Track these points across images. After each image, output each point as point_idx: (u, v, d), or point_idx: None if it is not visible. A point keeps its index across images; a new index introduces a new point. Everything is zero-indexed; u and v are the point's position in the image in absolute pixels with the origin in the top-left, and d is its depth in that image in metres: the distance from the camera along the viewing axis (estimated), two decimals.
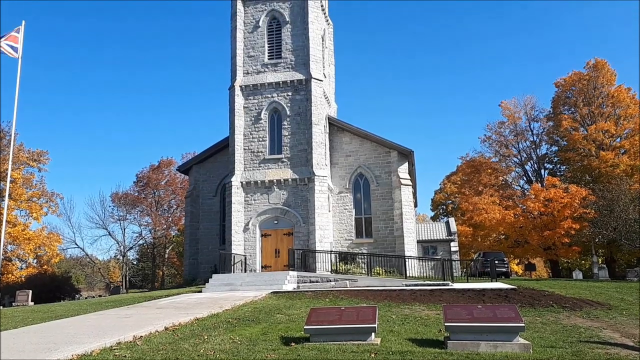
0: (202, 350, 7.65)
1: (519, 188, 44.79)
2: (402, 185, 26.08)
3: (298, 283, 20.45)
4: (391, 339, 8.53)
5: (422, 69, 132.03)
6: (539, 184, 39.35)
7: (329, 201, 25.74)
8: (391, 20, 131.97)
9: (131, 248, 51.54)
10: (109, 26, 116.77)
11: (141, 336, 8.67)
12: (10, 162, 16.22)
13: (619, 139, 40.09)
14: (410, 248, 25.57)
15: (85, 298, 34.72)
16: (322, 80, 26.60)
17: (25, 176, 37.57)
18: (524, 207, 37.30)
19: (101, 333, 8.94)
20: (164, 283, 49.99)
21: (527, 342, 7.76)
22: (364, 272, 22.89)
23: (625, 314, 11.53)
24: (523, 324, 7.79)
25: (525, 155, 44.71)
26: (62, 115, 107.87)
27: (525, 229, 36.27)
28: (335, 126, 27.75)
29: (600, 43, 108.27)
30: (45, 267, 39.24)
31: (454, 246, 36.61)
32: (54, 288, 35.96)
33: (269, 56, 26.94)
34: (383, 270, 23.50)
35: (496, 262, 24.51)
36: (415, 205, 35.31)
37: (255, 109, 26.30)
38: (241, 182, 25.46)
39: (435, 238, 37.04)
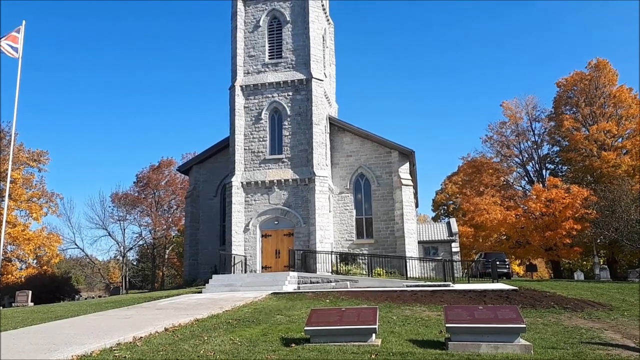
0: (202, 351, 7.63)
1: (521, 188, 44.74)
2: (403, 186, 26.04)
3: (298, 284, 20.43)
4: (392, 340, 8.50)
5: (423, 69, 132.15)
6: (541, 185, 39.27)
7: (329, 201, 25.70)
8: (392, 20, 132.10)
9: (131, 248, 51.58)
10: (108, 27, 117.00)
11: (141, 337, 8.66)
12: (10, 162, 16.20)
13: (620, 139, 40.02)
14: (411, 249, 25.53)
15: (85, 299, 34.69)
16: (322, 80, 26.57)
17: (25, 176, 37.59)
18: (526, 208, 37.24)
19: (101, 334, 8.92)
20: (164, 284, 49.98)
21: (528, 343, 7.73)
22: (364, 272, 22.86)
23: (626, 315, 11.50)
24: (524, 325, 7.77)
25: (526, 156, 44.66)
26: (62, 116, 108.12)
27: (527, 230, 36.21)
28: (336, 126, 27.72)
29: (602, 43, 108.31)
30: (45, 267, 39.25)
31: (455, 247, 36.58)
32: (54, 288, 35.97)
33: (269, 56, 26.93)
34: (384, 271, 23.46)
35: (497, 263, 24.49)
36: (416, 206, 35.26)
37: (256, 109, 26.28)
38: (241, 183, 25.44)
39: (436, 239, 37.01)
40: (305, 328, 8.37)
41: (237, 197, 25.19)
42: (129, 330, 9.13)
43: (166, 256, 52.13)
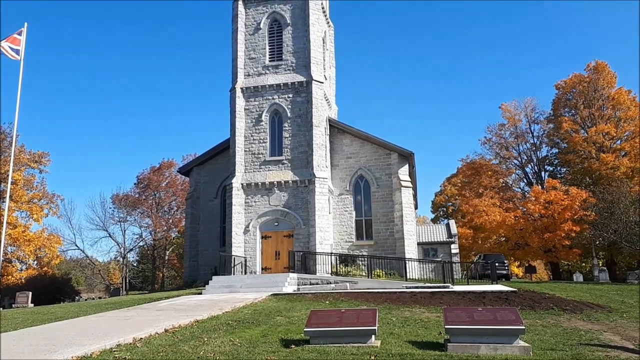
0: (201, 352, 7.66)
1: (520, 190, 44.81)
2: (402, 187, 26.08)
3: (298, 285, 20.44)
4: (391, 341, 8.53)
5: (423, 70, 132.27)
6: (540, 186, 39.35)
7: (329, 203, 25.74)
8: (392, 21, 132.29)
9: (131, 250, 51.58)
10: (109, 28, 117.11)
11: (141, 338, 8.68)
12: (11, 164, 16.25)
13: (619, 141, 40.12)
14: (411, 250, 25.56)
15: (85, 300, 34.65)
16: (322, 83, 26.63)
17: (26, 178, 37.62)
18: (525, 210, 37.29)
19: (101, 335, 8.94)
20: (164, 285, 49.97)
21: (527, 344, 7.75)
22: (364, 274, 22.87)
23: (625, 317, 11.53)
24: (523, 327, 7.80)
25: (525, 158, 44.75)
26: (63, 117, 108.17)
27: (526, 231, 36.26)
28: (335, 128, 27.78)
29: (601, 45, 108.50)
30: (46, 268, 39.25)
31: (455, 248, 36.58)
32: (54, 290, 35.94)
33: (269, 58, 26.99)
34: (383, 272, 23.49)
35: (496, 264, 24.47)
36: (416, 207, 35.30)
37: (256, 111, 26.34)
38: (242, 184, 25.48)
39: (436, 240, 37.01)
40: (305, 329, 8.39)
41: (238, 198, 25.23)
42: (129, 332, 9.15)
43: (166, 257, 52.13)
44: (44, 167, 39.35)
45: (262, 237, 25.15)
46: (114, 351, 7.58)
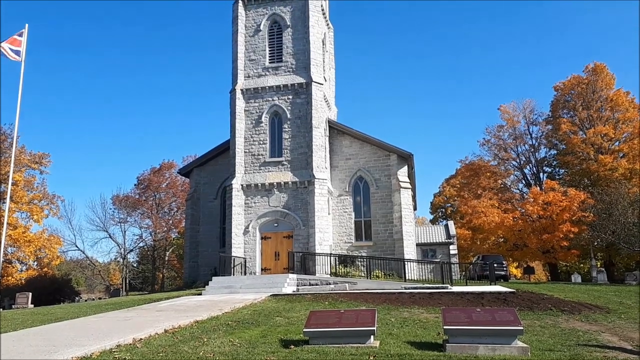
0: (201, 353, 7.69)
1: (518, 191, 44.89)
2: (401, 189, 26.14)
3: (297, 286, 20.48)
4: (390, 341, 8.57)
5: (423, 70, 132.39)
6: (538, 188, 39.44)
7: (328, 204, 25.80)
8: (392, 22, 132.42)
9: (131, 250, 51.57)
10: (110, 30, 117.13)
11: (141, 339, 8.70)
12: (12, 165, 16.27)
13: (617, 143, 40.21)
14: (410, 251, 25.61)
15: (85, 300, 34.65)
16: (322, 84, 26.70)
17: (26, 179, 37.65)
18: (523, 211, 37.37)
19: (101, 335, 8.96)
20: (164, 285, 49.97)
21: (525, 345, 7.79)
22: (363, 275, 22.92)
23: (623, 318, 11.58)
24: (522, 328, 7.84)
25: (524, 159, 44.84)
26: (63, 118, 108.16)
27: (524, 232, 36.33)
28: (335, 129, 27.84)
29: (601, 45, 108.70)
30: (46, 269, 39.28)
31: (453, 249, 36.63)
32: (54, 290, 35.92)
33: (270, 60, 27.06)
34: (382, 273, 23.53)
35: (495, 265, 24.50)
36: (415, 209, 35.38)
37: (256, 112, 26.40)
38: (242, 185, 25.52)
39: (435, 241, 37.06)
40: (304, 330, 8.43)
41: (237, 199, 25.27)
42: (129, 332, 9.17)
43: (166, 258, 52.13)
44: (44, 168, 39.46)
45: (261, 238, 25.20)
46: (114, 352, 7.61)
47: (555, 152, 44.74)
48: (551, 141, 44.04)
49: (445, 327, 7.97)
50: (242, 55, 27.15)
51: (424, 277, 24.21)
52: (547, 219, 34.79)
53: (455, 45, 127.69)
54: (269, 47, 27.20)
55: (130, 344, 8.24)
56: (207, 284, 20.89)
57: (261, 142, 26.03)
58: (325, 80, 28.43)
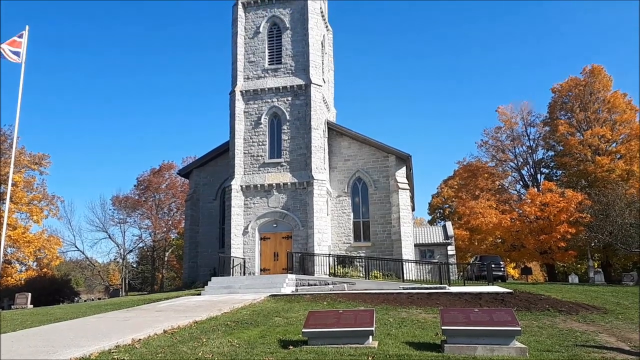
0: (200, 354, 7.72)
1: (516, 192, 44.97)
2: (399, 190, 26.22)
3: (296, 286, 20.52)
4: (388, 342, 8.61)
5: (423, 70, 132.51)
6: (535, 189, 39.55)
7: (327, 205, 25.86)
8: (392, 22, 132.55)
9: (131, 251, 51.57)
10: (110, 30, 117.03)
11: (140, 339, 8.72)
12: (12, 166, 16.27)
13: (614, 144, 40.33)
14: (408, 252, 25.66)
15: (85, 301, 34.61)
16: (321, 86, 26.77)
17: (26, 179, 37.58)
18: (521, 212, 37.46)
19: (100, 336, 8.98)
20: (164, 286, 49.94)
21: (523, 345, 7.82)
22: (361, 275, 22.98)
23: (621, 318, 11.62)
24: (519, 328, 7.87)
25: (521, 160, 44.96)
26: (63, 118, 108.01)
27: (522, 233, 36.41)
28: (334, 131, 27.91)
29: (600, 45, 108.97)
30: (45, 269, 39.22)
31: (451, 250, 36.70)
32: (54, 291, 35.84)
33: (269, 61, 27.12)
34: (381, 273, 23.60)
35: (493, 265, 24.62)
36: (413, 209, 35.41)
37: (256, 114, 26.45)
38: (241, 186, 25.57)
39: (433, 242, 37.12)
40: (303, 330, 8.46)
41: (237, 200, 25.31)
42: (128, 333, 9.20)
43: (166, 259, 52.12)
44: (44, 169, 39.39)
45: (260, 239, 25.23)
46: (113, 352, 7.63)
47: (553, 153, 44.86)
48: (549, 142, 44.16)
49: (443, 327, 8.00)
50: (241, 57, 27.20)
51: (422, 278, 24.28)
52: (544, 220, 34.88)
53: (455, 45, 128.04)
54: (269, 49, 27.26)
55: (129, 345, 8.26)
56: (207, 285, 20.93)
57: (260, 144, 26.08)
58: (324, 82, 28.50)
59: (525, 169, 45.37)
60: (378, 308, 12.86)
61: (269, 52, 27.20)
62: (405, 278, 22.10)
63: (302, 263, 23.64)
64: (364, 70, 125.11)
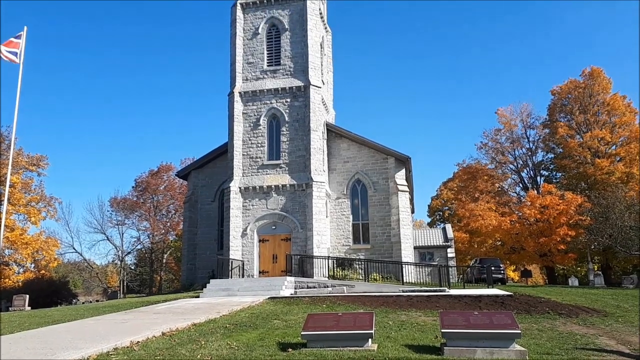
0: (199, 356, 7.69)
1: (515, 195, 45.04)
2: (399, 192, 26.19)
3: (295, 289, 20.48)
4: (388, 345, 8.58)
5: (423, 70, 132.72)
6: (535, 191, 39.57)
7: (326, 207, 25.82)
8: (392, 22, 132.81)
9: (129, 253, 51.50)
10: (110, 30, 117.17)
11: (138, 341, 8.68)
12: (10, 167, 16.25)
13: (614, 147, 40.41)
14: (407, 254, 25.63)
15: (83, 303, 34.49)
16: (320, 87, 26.76)
17: (24, 181, 37.51)
18: (520, 214, 37.46)
19: (98, 338, 8.95)
20: (162, 288, 49.86)
21: (523, 348, 7.80)
22: (361, 277, 22.93)
23: (621, 321, 11.58)
24: (519, 331, 7.84)
25: (521, 162, 45.00)
26: (63, 119, 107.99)
27: (521, 236, 36.41)
28: (333, 132, 27.90)
29: (599, 49, 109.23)
30: (43, 271, 39.09)
31: (451, 252, 36.69)
32: (52, 293, 35.74)
33: (268, 63, 27.11)
34: (380, 276, 23.55)
35: (492, 268, 24.56)
36: (412, 212, 35.37)
37: (254, 115, 26.42)
38: (240, 188, 25.52)
39: (432, 244, 37.11)
40: (302, 333, 8.42)
41: (235, 202, 25.26)
42: (126, 335, 9.17)
43: (164, 261, 52.03)
44: (42, 170, 39.30)
45: (259, 241, 25.18)
46: (111, 355, 7.60)
47: (553, 155, 44.93)
48: (548, 145, 44.24)
49: (442, 330, 7.98)
50: (240, 58, 27.20)
51: (421, 280, 24.23)
52: (544, 222, 34.88)
53: (455, 45, 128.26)
54: (267, 50, 27.26)
55: (127, 347, 8.22)
56: (205, 287, 20.86)
57: (259, 145, 26.05)
58: (324, 84, 28.49)
59: (525, 171, 45.45)
60: (377, 311, 12.82)
61: (267, 54, 27.20)
62: (404, 281, 22.06)
63: (301, 265, 23.58)
64: (364, 71, 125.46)
